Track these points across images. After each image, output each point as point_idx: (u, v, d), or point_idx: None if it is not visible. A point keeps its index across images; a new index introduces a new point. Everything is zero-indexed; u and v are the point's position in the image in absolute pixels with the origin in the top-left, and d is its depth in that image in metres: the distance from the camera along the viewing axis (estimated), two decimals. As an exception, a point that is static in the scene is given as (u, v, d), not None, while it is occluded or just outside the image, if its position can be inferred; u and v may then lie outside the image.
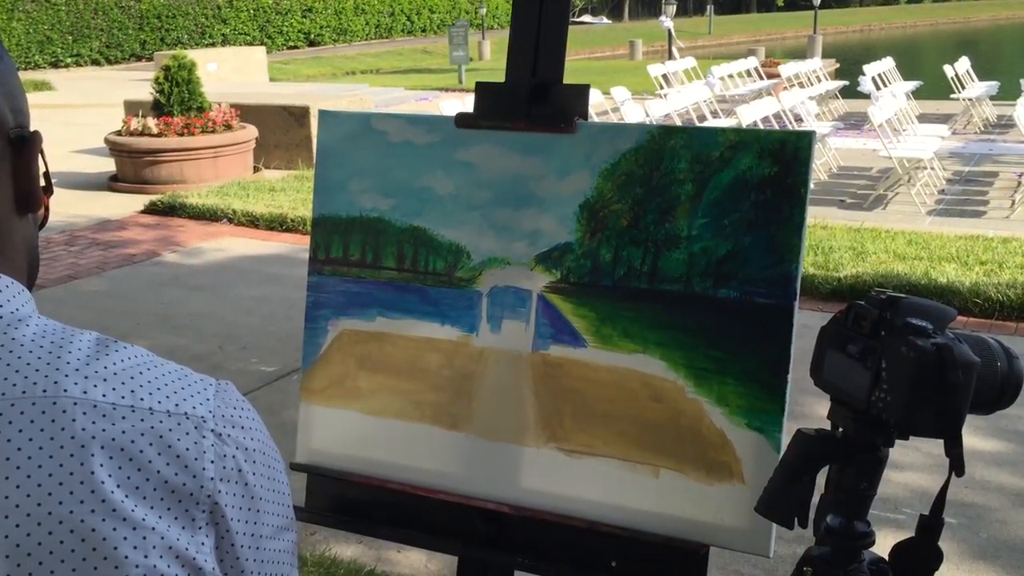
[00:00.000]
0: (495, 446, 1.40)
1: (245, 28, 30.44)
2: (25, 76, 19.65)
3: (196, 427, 0.72)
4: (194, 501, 0.70)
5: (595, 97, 10.28)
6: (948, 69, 12.36)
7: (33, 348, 0.71)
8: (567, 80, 1.43)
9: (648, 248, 1.33)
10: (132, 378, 0.72)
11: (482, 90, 1.47)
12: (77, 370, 0.70)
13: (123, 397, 0.70)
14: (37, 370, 0.69)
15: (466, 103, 8.63)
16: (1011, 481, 3.51)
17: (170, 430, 0.70)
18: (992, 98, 12.57)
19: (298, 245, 7.00)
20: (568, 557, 1.38)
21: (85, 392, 0.69)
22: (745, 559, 2.89)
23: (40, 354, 0.70)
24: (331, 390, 1.50)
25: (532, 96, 1.42)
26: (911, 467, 3.46)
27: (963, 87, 12.42)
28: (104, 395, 0.70)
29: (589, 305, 1.36)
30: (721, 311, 1.29)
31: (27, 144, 0.77)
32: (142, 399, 0.71)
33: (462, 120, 1.44)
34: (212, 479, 0.71)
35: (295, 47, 31.42)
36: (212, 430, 0.72)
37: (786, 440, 1.22)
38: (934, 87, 13.96)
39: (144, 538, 0.67)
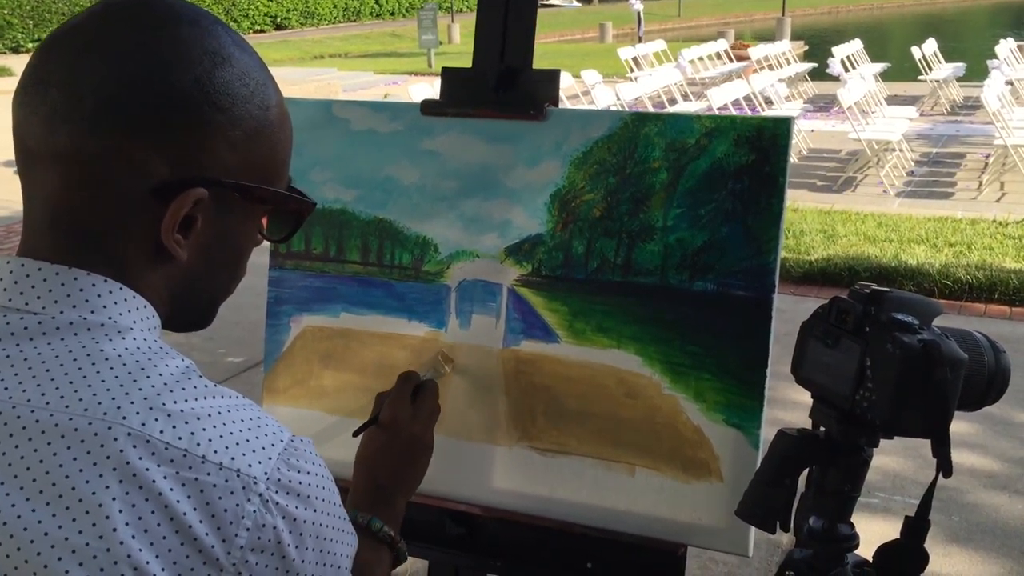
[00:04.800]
0: (465, 445, 1.35)
1: (210, 11, 29.89)
2: (-16, 61, 19.19)
3: (244, 487, 0.67)
4: (217, 567, 0.65)
5: (565, 80, 10.20)
6: (915, 51, 12.42)
7: (115, 365, 0.68)
8: (536, 64, 1.38)
9: (622, 239, 1.29)
10: (199, 419, 0.68)
11: (448, 76, 1.41)
12: (145, 399, 0.67)
13: (180, 438, 0.66)
14: (108, 389, 0.67)
15: (435, 87, 8.53)
16: (981, 463, 3.53)
17: (214, 485, 0.66)
18: (959, 79, 12.65)
19: (266, 233, 6.89)
20: (541, 559, 1.34)
21: (143, 424, 0.66)
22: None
23: (119, 372, 0.68)
24: (294, 389, 1.45)
25: (500, 82, 1.36)
26: (884, 450, 3.45)
27: (930, 69, 12.49)
28: (161, 431, 0.66)
29: (561, 299, 1.31)
30: (697, 304, 1.25)
31: (173, 196, 0.72)
32: (198, 444, 0.66)
33: (428, 107, 1.39)
34: (242, 548, 0.66)
35: (261, 31, 31.01)
36: (260, 494, 0.67)
37: (764, 436, 1.19)
38: (901, 69, 14.03)
39: None
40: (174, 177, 0.72)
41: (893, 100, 11.63)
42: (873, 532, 0.98)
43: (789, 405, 3.00)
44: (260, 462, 0.68)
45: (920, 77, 12.43)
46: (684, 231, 1.26)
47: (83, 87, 0.70)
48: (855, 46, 13.29)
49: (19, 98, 0.73)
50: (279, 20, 32.21)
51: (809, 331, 0.97)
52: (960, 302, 5.20)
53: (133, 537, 0.63)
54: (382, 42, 26.22)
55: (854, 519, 0.99)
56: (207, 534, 0.65)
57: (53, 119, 0.71)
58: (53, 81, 0.71)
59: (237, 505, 0.66)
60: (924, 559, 0.96)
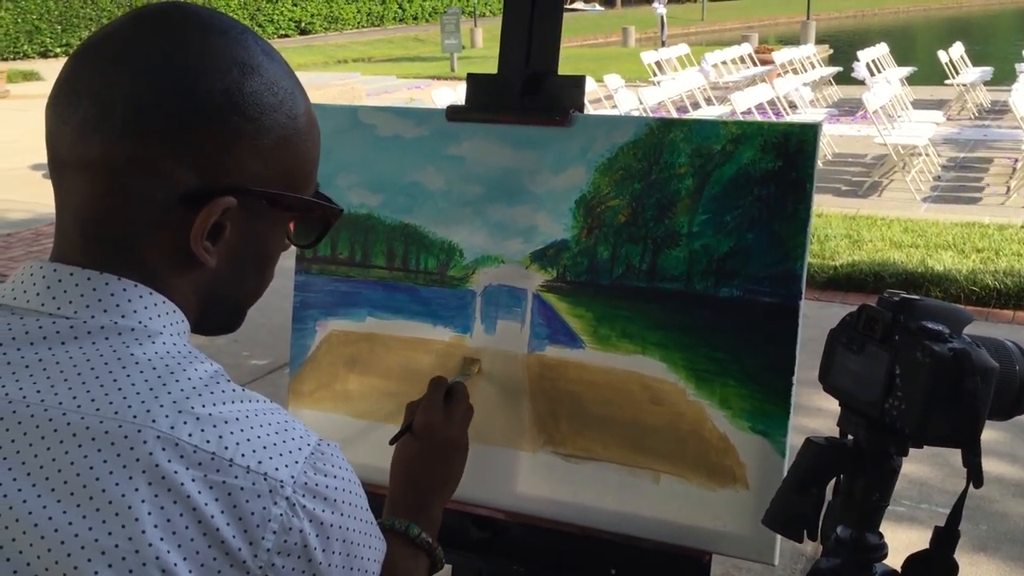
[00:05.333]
0: (489, 450, 1.35)
1: (235, 16, 30.06)
2: (13, 66, 19.48)
3: (271, 490, 0.68)
4: (243, 570, 0.66)
5: (588, 85, 10.13)
6: (942, 55, 12.31)
7: (145, 368, 0.69)
8: (559, 68, 1.38)
9: (647, 245, 1.28)
10: (226, 423, 0.68)
11: (473, 81, 1.41)
12: (175, 402, 0.68)
13: (208, 442, 0.67)
14: (138, 393, 0.68)
15: (458, 91, 8.54)
16: (1010, 472, 3.49)
17: (242, 488, 0.67)
18: (986, 83, 12.52)
19: (290, 236, 6.92)
20: (565, 564, 1.34)
21: (172, 427, 0.67)
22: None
23: (148, 376, 0.69)
24: (320, 393, 1.46)
25: (525, 88, 1.36)
26: (910, 458, 3.41)
27: (957, 73, 12.37)
28: (190, 435, 0.67)
29: (586, 304, 1.31)
30: (723, 310, 1.24)
31: (202, 204, 0.73)
32: (226, 448, 0.67)
33: (453, 113, 1.39)
34: (268, 551, 0.67)
35: (286, 36, 31.22)
36: (287, 498, 0.68)
37: (791, 444, 1.18)
38: (928, 73, 13.90)
39: None
40: (202, 185, 0.73)
41: (919, 104, 11.51)
42: (899, 540, 0.97)
43: (815, 412, 2.98)
44: (287, 465, 0.69)
45: (947, 81, 12.31)
46: (710, 237, 1.25)
47: (113, 97, 0.71)
48: (881, 50, 13.19)
49: (52, 107, 0.74)
50: (303, 25, 32.41)
51: (837, 338, 0.97)
52: (988, 308, 5.14)
53: (162, 539, 0.64)
54: (405, 46, 26.32)
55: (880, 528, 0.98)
56: (234, 536, 0.66)
57: (84, 128, 0.72)
58: (84, 91, 0.72)
59: (264, 508, 0.67)
60: (954, 570, 0.94)
